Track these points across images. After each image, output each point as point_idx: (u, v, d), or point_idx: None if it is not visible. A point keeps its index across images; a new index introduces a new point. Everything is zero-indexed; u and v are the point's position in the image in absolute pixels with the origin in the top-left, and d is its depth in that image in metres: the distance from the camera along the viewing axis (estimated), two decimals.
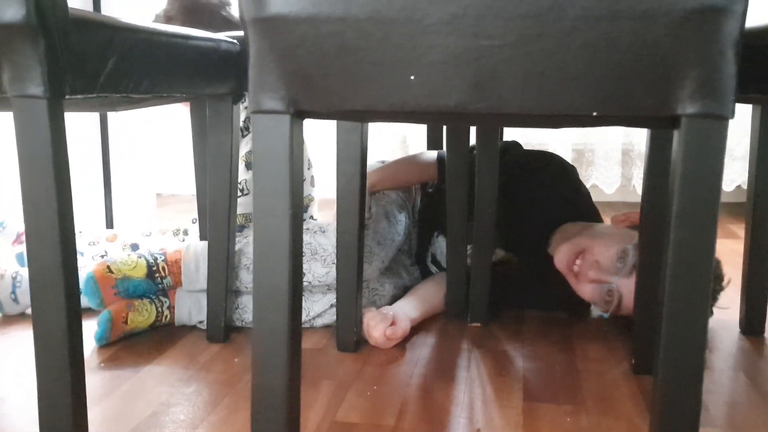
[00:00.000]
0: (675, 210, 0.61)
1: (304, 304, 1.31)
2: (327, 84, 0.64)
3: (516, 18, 0.59)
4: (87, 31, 0.77)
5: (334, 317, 1.26)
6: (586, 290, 1.24)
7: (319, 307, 1.31)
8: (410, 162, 1.52)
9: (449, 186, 1.31)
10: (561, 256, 1.27)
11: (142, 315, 1.27)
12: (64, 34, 0.73)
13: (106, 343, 1.22)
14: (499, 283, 1.38)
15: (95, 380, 1.09)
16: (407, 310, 1.30)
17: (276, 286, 0.68)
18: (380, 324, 1.21)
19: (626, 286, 1.18)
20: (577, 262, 1.24)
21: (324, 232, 1.30)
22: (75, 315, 0.77)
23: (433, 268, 1.52)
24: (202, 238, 1.41)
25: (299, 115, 0.67)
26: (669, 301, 0.63)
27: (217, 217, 1.23)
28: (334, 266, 1.24)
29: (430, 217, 1.52)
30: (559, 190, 1.42)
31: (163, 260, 1.30)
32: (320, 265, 1.27)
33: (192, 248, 1.32)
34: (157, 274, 1.30)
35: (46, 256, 0.75)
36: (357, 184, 1.15)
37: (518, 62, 0.60)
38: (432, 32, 0.61)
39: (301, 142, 0.68)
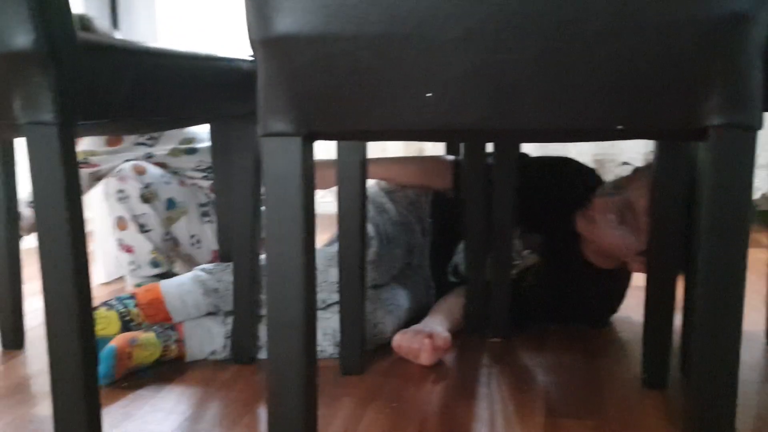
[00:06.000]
0: (706, 223, 0.59)
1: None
2: (340, 105, 0.63)
3: (536, 32, 0.57)
4: (99, 56, 0.76)
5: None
6: (607, 233, 1.24)
7: (333, 324, 1.29)
8: (422, 165, 1.47)
9: (468, 196, 1.29)
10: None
11: (147, 350, 1.21)
12: (74, 60, 0.72)
13: (110, 382, 1.16)
14: (521, 295, 1.36)
15: (116, 400, 1.08)
16: (435, 325, 1.28)
17: (290, 313, 0.66)
18: (424, 340, 1.19)
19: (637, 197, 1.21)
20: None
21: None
22: (89, 336, 0.76)
23: (453, 279, 1.49)
24: (224, 259, 1.39)
25: (310, 137, 0.65)
26: (702, 313, 0.61)
27: (241, 238, 1.21)
28: (326, 283, 1.26)
29: (450, 227, 1.49)
30: (580, 178, 1.40)
31: (134, 305, 1.25)
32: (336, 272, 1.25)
33: (166, 287, 1.27)
34: (131, 323, 1.24)
35: (60, 281, 0.74)
36: (358, 204, 1.13)
37: (539, 77, 0.58)
38: (449, 48, 0.59)
39: (313, 164, 0.67)
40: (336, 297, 1.27)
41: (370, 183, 1.44)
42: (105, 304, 1.26)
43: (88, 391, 0.76)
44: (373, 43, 0.60)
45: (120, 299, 1.26)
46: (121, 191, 1.50)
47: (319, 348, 1.26)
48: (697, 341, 0.62)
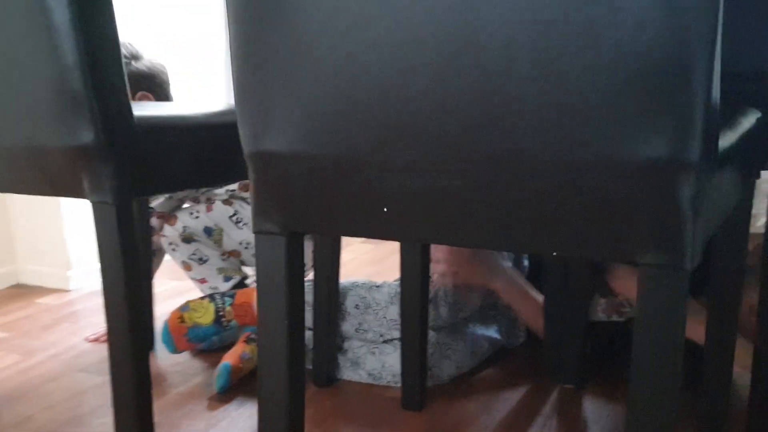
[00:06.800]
0: (634, 353, 0.59)
1: (375, 357, 1.38)
2: (314, 212, 0.70)
3: (473, 163, 0.61)
4: (154, 137, 0.89)
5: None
6: None
7: (392, 360, 1.37)
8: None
9: None
10: None
11: (252, 363, 1.40)
12: (131, 147, 0.86)
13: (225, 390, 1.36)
14: (600, 340, 1.34)
15: (200, 411, 1.25)
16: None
17: (278, 387, 0.75)
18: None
19: None
20: None
21: (379, 287, 1.39)
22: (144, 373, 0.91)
23: None
24: None
25: (294, 234, 0.73)
26: None
27: (322, 258, 1.32)
28: (385, 320, 1.33)
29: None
30: None
31: (230, 304, 1.44)
32: (373, 318, 1.36)
33: None
34: (223, 318, 1.44)
35: (119, 323, 0.89)
36: (419, 247, 1.19)
37: (478, 204, 0.62)
38: (398, 173, 0.64)
39: (301, 254, 0.75)
40: (395, 333, 1.36)
41: None
42: (210, 296, 1.48)
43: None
44: (337, 163, 0.67)
45: (222, 295, 1.48)
46: (169, 244, 1.69)
47: (380, 377, 1.36)
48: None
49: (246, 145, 0.71)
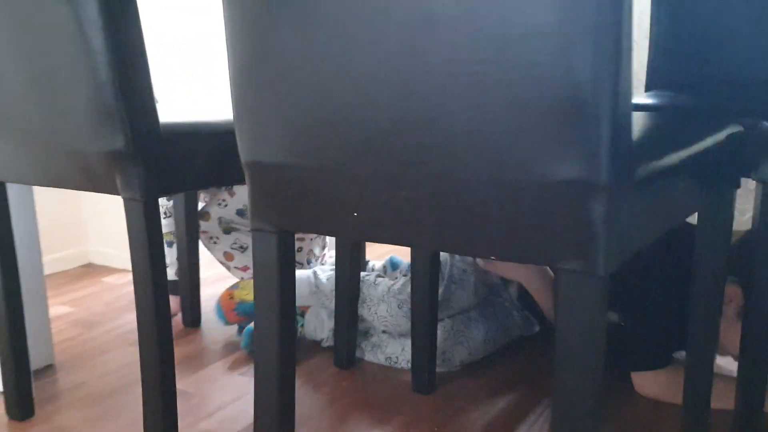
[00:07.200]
0: (558, 351, 0.67)
1: (396, 341, 1.50)
2: (299, 214, 0.81)
3: (421, 178, 0.70)
4: (177, 142, 1.02)
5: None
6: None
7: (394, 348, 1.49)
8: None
9: None
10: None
11: (246, 290, 1.62)
12: (157, 151, 0.99)
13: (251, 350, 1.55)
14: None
15: (230, 384, 1.39)
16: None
17: (270, 367, 0.87)
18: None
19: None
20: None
21: (376, 285, 1.51)
22: (169, 347, 1.04)
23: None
24: None
25: (285, 232, 0.84)
26: None
27: (343, 246, 1.44)
28: (376, 315, 1.46)
29: None
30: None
31: None
32: (366, 312, 1.50)
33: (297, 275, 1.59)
34: None
35: (147, 309, 1.03)
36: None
37: (427, 212, 0.71)
38: (363, 183, 0.74)
39: (292, 249, 0.86)
40: (381, 328, 1.52)
41: None
42: None
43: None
44: (317, 174, 0.77)
45: None
46: (210, 239, 1.83)
47: (396, 361, 1.48)
48: None
49: (243, 156, 0.83)
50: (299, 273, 1.59)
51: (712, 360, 1.07)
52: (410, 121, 0.68)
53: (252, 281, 1.60)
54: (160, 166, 0.99)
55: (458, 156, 0.67)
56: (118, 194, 1.01)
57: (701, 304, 1.04)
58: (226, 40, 0.79)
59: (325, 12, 0.70)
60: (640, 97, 1.45)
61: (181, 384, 1.43)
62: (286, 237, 0.85)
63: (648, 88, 1.66)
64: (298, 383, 1.41)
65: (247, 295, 1.63)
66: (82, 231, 2.37)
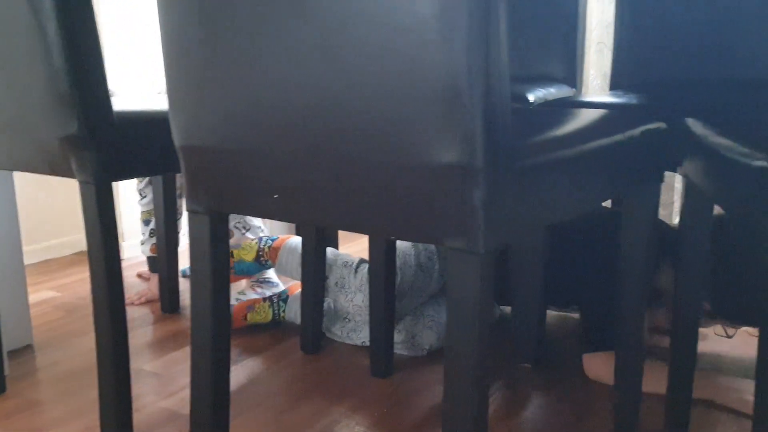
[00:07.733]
0: (448, 323, 0.72)
1: (362, 329, 1.55)
2: (228, 195, 0.86)
3: (326, 163, 0.75)
4: (130, 128, 1.08)
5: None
6: None
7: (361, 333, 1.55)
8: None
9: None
10: None
11: (260, 315, 1.63)
12: (109, 136, 1.04)
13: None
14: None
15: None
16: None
17: (204, 334, 0.92)
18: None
19: None
20: None
21: (356, 272, 1.56)
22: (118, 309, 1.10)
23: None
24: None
25: (217, 214, 0.90)
26: None
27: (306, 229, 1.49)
28: (352, 303, 1.53)
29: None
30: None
31: (269, 246, 1.69)
32: (343, 298, 1.55)
33: (289, 242, 1.67)
34: (262, 257, 1.70)
35: (100, 277, 1.09)
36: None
37: (332, 194, 0.76)
38: (281, 168, 0.79)
39: (225, 228, 0.92)
40: (357, 318, 1.58)
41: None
42: (260, 238, 1.76)
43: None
44: (242, 157, 0.83)
45: (268, 237, 1.74)
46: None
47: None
48: None
49: (177, 140, 0.88)
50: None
51: (641, 346, 1.11)
52: (314, 108, 0.74)
53: (252, 242, 1.71)
54: (113, 151, 1.05)
55: (355, 141, 0.72)
56: (73, 177, 1.07)
57: (626, 294, 1.08)
58: (161, 37, 0.85)
59: (240, 12, 0.76)
60: (597, 97, 1.49)
61: (150, 365, 1.49)
62: (219, 218, 0.91)
63: (612, 87, 1.70)
64: (264, 365, 1.47)
65: (246, 254, 1.73)
66: (75, 219, 2.44)
